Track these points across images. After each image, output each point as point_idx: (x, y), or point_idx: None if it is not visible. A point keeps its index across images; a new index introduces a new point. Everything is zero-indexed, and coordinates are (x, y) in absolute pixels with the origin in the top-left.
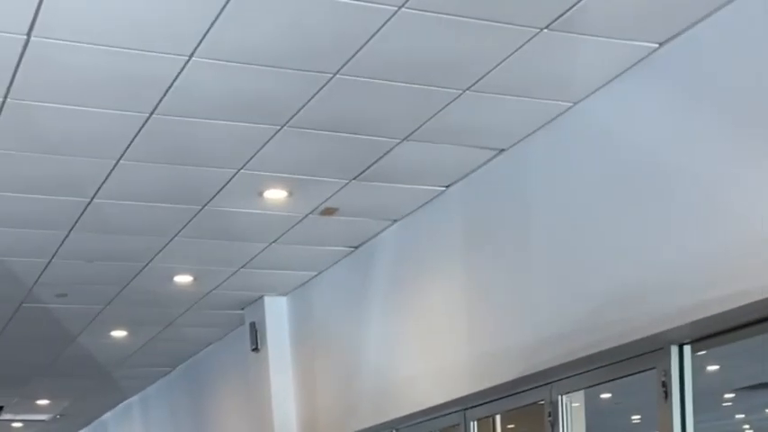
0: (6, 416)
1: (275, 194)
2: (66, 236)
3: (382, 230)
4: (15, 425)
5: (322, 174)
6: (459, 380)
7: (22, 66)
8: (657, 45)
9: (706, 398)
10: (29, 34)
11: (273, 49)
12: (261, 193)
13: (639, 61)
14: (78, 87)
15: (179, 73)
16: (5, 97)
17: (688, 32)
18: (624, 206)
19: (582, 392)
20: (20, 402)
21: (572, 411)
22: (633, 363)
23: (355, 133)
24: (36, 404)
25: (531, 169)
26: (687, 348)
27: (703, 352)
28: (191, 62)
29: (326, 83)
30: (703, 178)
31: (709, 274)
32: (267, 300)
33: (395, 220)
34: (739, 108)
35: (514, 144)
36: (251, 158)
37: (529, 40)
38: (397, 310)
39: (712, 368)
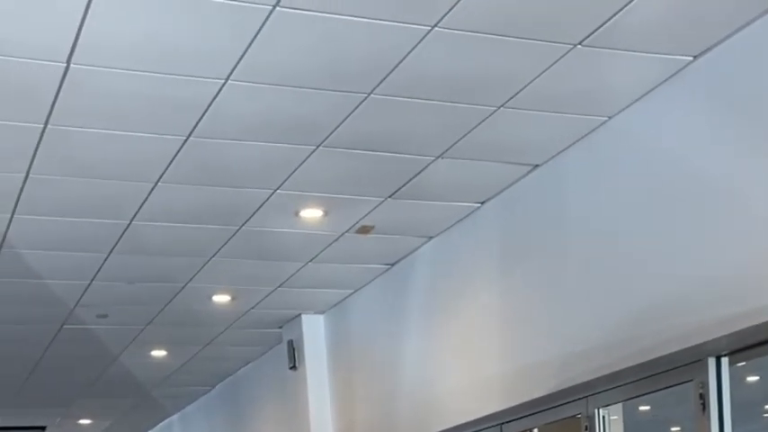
0: None
1: (311, 213)
2: (106, 258)
3: (418, 247)
4: None
5: (357, 192)
6: (495, 394)
7: (62, 92)
8: (692, 58)
9: (746, 409)
10: (68, 61)
11: (308, 71)
12: (297, 213)
13: (674, 75)
14: (117, 112)
15: (215, 96)
16: (46, 123)
17: (722, 45)
18: (660, 219)
19: (620, 405)
20: (62, 422)
21: (610, 424)
22: (670, 375)
23: (390, 151)
24: (78, 424)
25: (566, 184)
26: (725, 360)
27: (742, 363)
28: (227, 85)
29: (361, 102)
30: (739, 191)
31: (747, 285)
32: (305, 318)
33: (430, 237)
34: None
35: (549, 159)
36: (287, 179)
37: (562, 57)
38: (434, 326)
39: (752, 379)
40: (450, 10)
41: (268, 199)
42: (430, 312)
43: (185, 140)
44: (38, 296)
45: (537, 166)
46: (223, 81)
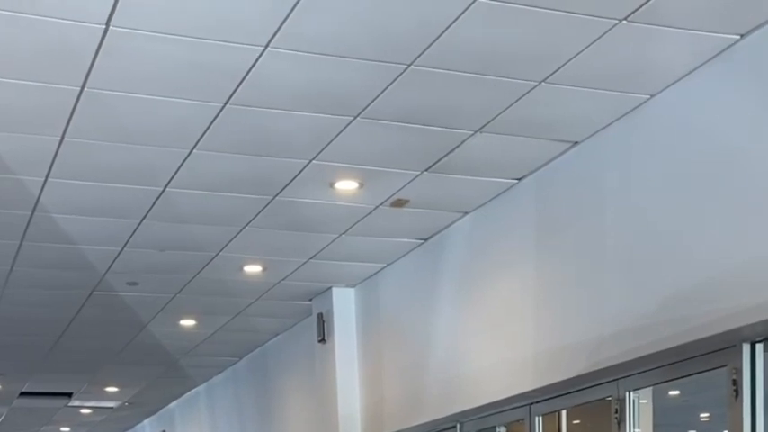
0: (75, 402)
1: (346, 185)
2: (139, 224)
3: (453, 223)
4: (84, 411)
5: (394, 165)
6: (525, 374)
7: (100, 55)
8: (738, 37)
9: None
10: (107, 23)
11: (348, 40)
12: (332, 184)
13: (719, 53)
14: (154, 77)
15: (254, 63)
16: (83, 86)
17: None
18: (699, 202)
19: (650, 389)
20: (89, 389)
21: (639, 408)
22: (703, 360)
23: (428, 125)
24: (105, 391)
25: (605, 163)
26: (759, 346)
27: None
28: (266, 52)
29: (401, 74)
30: None
31: None
32: (335, 291)
33: (466, 213)
34: None
35: (589, 137)
36: (323, 149)
37: (607, 32)
38: (465, 304)
39: None
40: None
41: (303, 169)
42: (462, 289)
43: (222, 107)
44: (69, 261)
45: (576, 143)
46: (262, 48)
